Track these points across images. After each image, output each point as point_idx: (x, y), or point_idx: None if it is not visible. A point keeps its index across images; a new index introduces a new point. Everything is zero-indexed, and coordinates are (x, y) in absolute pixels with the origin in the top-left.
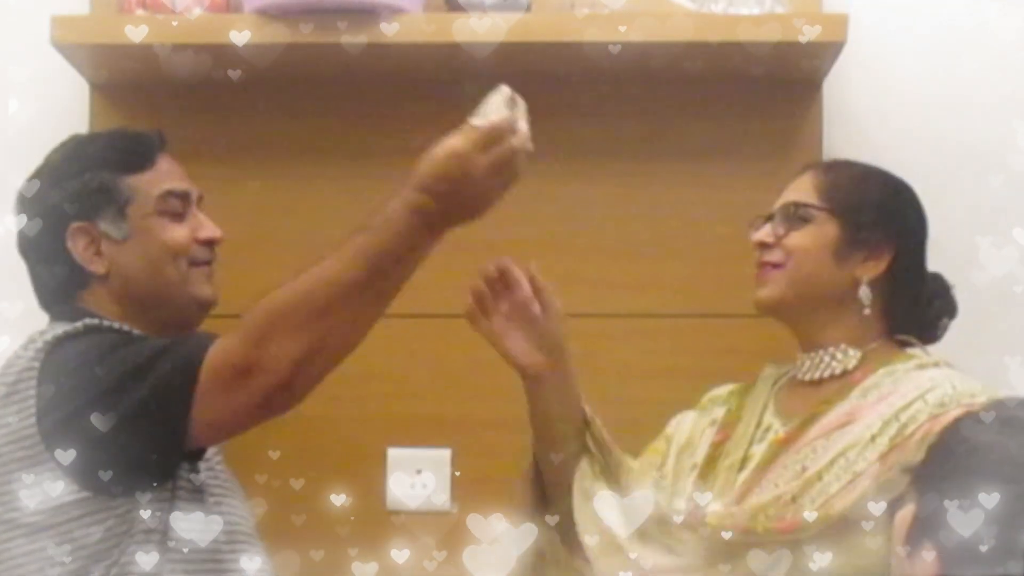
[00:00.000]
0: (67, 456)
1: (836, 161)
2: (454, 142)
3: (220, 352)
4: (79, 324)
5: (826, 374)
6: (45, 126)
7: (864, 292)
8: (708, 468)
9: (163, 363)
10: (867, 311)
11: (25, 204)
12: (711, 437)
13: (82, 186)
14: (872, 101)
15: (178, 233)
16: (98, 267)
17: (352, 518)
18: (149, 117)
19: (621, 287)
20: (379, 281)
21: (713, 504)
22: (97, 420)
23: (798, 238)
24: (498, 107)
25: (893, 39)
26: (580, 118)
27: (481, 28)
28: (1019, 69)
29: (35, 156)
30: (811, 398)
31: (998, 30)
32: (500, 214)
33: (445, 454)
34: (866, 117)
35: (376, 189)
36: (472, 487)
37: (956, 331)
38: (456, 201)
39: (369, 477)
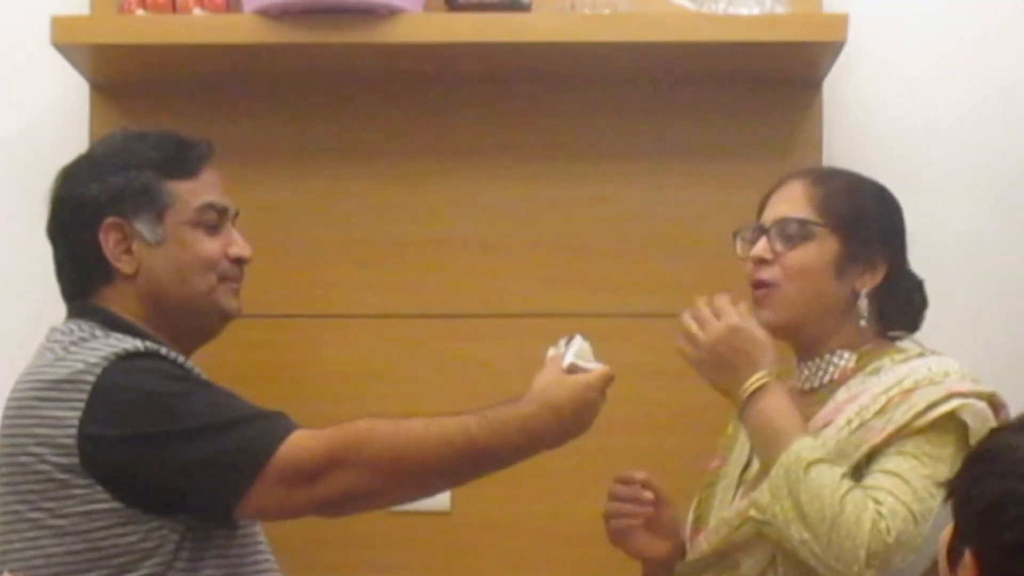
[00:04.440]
0: (107, 470)
1: (824, 171)
2: (593, 381)
3: (300, 450)
4: (139, 344)
5: (825, 380)
6: (45, 126)
7: (863, 304)
8: (707, 492)
9: (243, 431)
10: (863, 322)
11: (63, 189)
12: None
13: (125, 183)
14: (872, 101)
15: (211, 247)
16: (125, 266)
17: (352, 518)
18: (149, 117)
19: (621, 287)
20: (469, 469)
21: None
22: (155, 453)
23: (800, 257)
24: (590, 355)
25: (893, 39)
26: (580, 118)
27: (481, 28)
28: (1018, 68)
29: (35, 156)
30: (806, 405)
31: (997, 30)
32: (500, 215)
33: None
34: (866, 117)
35: (376, 189)
36: (472, 487)
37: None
38: (570, 429)
39: None
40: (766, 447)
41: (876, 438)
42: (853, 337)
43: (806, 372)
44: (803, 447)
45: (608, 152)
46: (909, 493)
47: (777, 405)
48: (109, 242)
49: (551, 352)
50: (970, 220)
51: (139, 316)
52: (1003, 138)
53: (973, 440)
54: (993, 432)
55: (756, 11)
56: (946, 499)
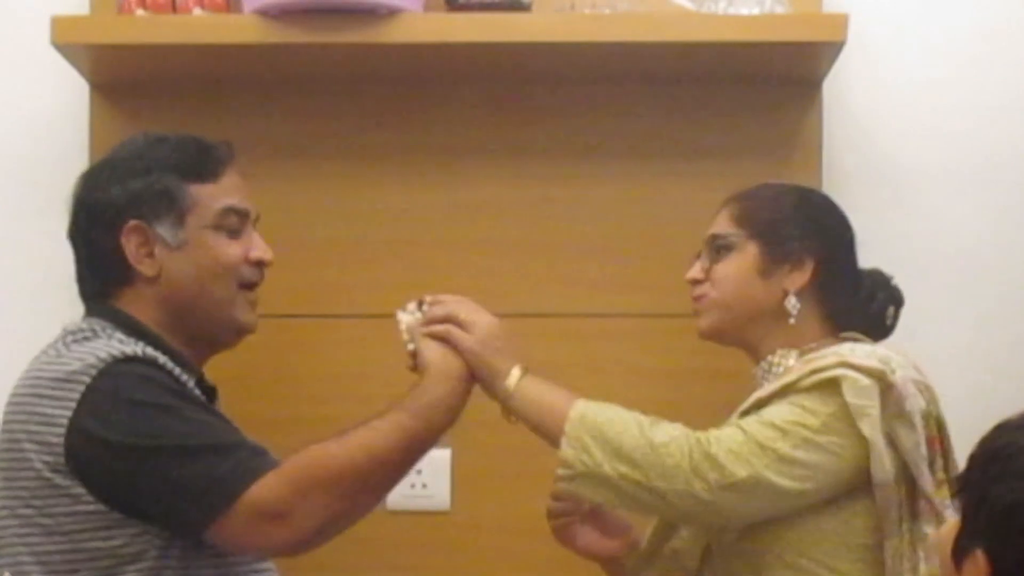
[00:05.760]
0: (89, 472)
1: (750, 188)
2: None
3: (262, 492)
4: (138, 350)
5: (770, 379)
6: (45, 126)
7: (791, 302)
8: None
9: (221, 460)
10: (792, 320)
11: (84, 193)
12: None
13: (145, 186)
14: (872, 101)
15: (231, 250)
16: (147, 269)
17: None
18: (149, 117)
19: (621, 287)
20: (408, 463)
21: None
22: (133, 461)
23: (723, 267)
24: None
25: (893, 39)
26: (580, 118)
27: (481, 28)
28: (1019, 68)
29: (35, 156)
30: None
31: (998, 30)
32: (500, 215)
33: (445, 454)
34: (866, 117)
35: (375, 189)
36: (472, 487)
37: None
38: (472, 388)
39: None
40: (550, 420)
41: (765, 393)
42: (795, 337)
43: (758, 374)
44: (588, 401)
45: (608, 152)
46: (754, 423)
47: (544, 384)
48: (131, 245)
49: (407, 318)
50: (970, 220)
51: (155, 320)
52: (1003, 138)
53: (855, 415)
54: (1003, 430)
55: (756, 11)
56: (954, 495)
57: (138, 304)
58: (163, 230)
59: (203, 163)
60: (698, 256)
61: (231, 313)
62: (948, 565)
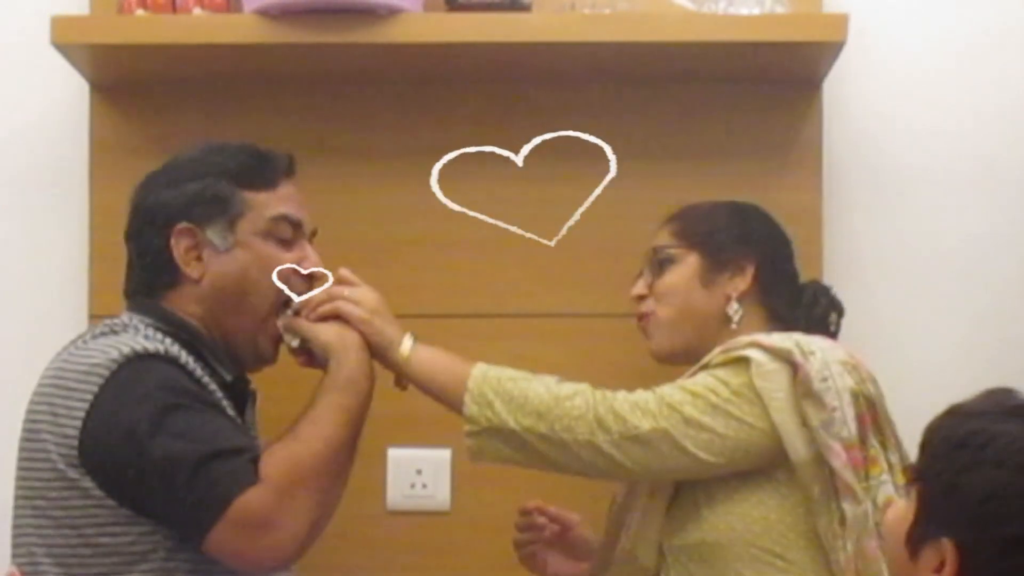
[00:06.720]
0: (99, 465)
1: (685, 206)
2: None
3: (250, 500)
4: (160, 347)
5: None
6: (45, 126)
7: (733, 308)
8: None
9: (221, 467)
10: (734, 326)
11: (140, 196)
12: None
13: (199, 190)
14: (872, 101)
15: (281, 258)
16: (193, 271)
17: (352, 518)
18: (149, 117)
19: (620, 287)
20: (355, 439)
21: None
22: (138, 461)
23: (666, 280)
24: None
25: (893, 39)
26: (580, 118)
27: (481, 28)
28: (1019, 68)
29: (35, 156)
30: None
31: (998, 30)
32: (500, 215)
33: (445, 454)
34: (866, 117)
35: (375, 188)
36: (472, 487)
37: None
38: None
39: (369, 477)
40: (450, 382)
41: (684, 378)
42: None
43: None
44: (488, 364)
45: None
46: (667, 386)
47: (438, 351)
48: (179, 247)
49: (280, 321)
50: (970, 221)
51: (197, 318)
52: (1003, 138)
53: (763, 398)
54: (962, 417)
55: (756, 11)
56: (910, 482)
57: (182, 304)
58: (213, 234)
59: (259, 171)
60: (640, 274)
61: (256, 338)
62: (900, 551)
